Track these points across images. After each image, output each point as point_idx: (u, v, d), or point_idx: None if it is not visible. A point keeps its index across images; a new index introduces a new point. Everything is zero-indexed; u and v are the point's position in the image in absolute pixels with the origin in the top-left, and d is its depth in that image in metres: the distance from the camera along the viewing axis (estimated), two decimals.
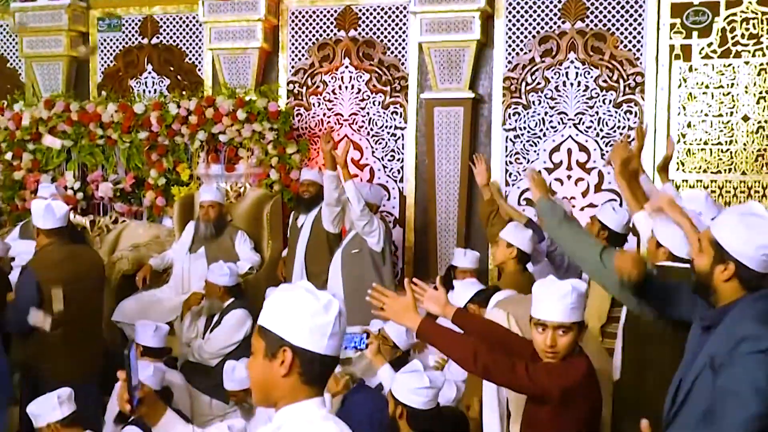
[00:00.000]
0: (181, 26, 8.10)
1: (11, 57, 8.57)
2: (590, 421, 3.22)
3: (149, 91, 8.04)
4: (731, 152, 6.65)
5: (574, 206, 6.98)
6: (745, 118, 6.61)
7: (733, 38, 6.61)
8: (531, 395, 3.24)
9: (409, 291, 3.35)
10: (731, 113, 6.65)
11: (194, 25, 8.01)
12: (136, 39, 8.21)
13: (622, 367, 3.69)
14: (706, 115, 6.71)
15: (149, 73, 8.17)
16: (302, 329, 2.06)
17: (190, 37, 8.07)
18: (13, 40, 8.44)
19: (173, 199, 7.28)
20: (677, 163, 6.72)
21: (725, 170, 6.64)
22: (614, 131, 6.88)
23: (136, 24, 8.19)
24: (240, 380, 5.14)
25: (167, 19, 8.13)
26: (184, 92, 7.62)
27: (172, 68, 8.10)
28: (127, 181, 7.49)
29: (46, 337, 5.05)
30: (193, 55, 8.07)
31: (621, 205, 6.03)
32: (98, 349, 5.52)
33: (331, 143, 6.10)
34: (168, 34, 8.14)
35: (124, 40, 8.23)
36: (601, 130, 6.96)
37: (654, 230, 3.66)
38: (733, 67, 6.63)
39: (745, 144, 6.62)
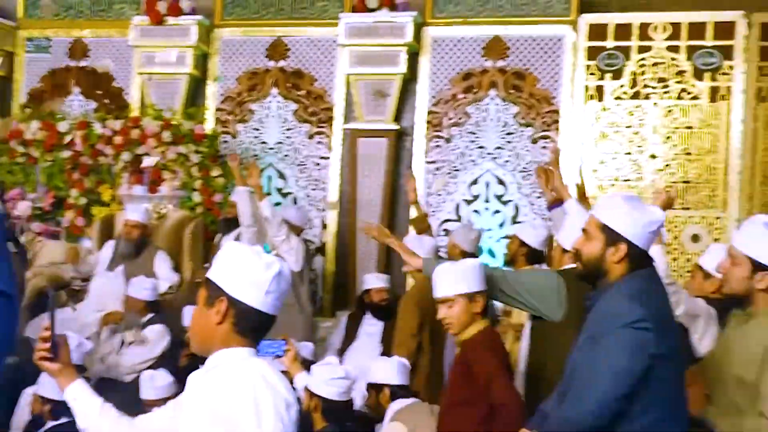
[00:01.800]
0: (110, 50, 8.14)
1: None
2: None
3: (75, 114, 8.02)
4: (639, 189, 6.96)
5: (491, 237, 7.21)
6: (653, 157, 6.97)
7: (643, 81, 7.00)
8: None
9: None
10: (640, 152, 7.00)
11: (124, 50, 8.06)
12: (64, 61, 8.22)
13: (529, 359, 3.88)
14: (617, 153, 7.04)
15: (75, 95, 8.17)
16: (240, 282, 2.21)
17: (119, 61, 8.12)
18: None
19: (93, 220, 7.25)
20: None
21: None
22: (530, 165, 7.13)
23: (65, 46, 8.21)
24: (160, 388, 5.09)
25: (97, 43, 8.17)
26: (110, 114, 7.63)
27: (99, 91, 8.11)
28: (46, 200, 7.43)
29: None
30: (121, 79, 8.10)
31: None
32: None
33: (236, 161, 6.27)
34: (97, 57, 8.17)
35: (51, 61, 8.23)
36: (518, 164, 7.23)
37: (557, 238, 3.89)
38: (643, 108, 7.00)
39: (652, 181, 6.95)
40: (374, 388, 4.15)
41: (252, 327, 2.24)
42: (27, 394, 5.14)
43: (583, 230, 2.85)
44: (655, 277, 2.82)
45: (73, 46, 8.21)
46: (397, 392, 4.09)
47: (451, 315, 3.58)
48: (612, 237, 2.76)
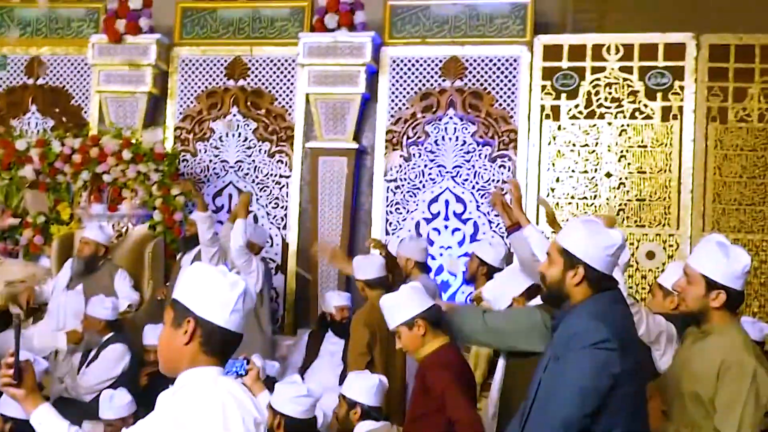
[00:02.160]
0: (68, 68, 8.11)
1: None
2: None
3: (32, 132, 7.96)
4: (595, 206, 7.12)
5: (450, 255, 7.30)
6: (608, 175, 7.13)
7: (597, 101, 7.16)
8: None
9: None
10: (595, 170, 7.15)
11: (82, 68, 8.03)
12: (21, 78, 8.16)
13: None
14: (573, 171, 7.19)
15: (33, 113, 8.11)
16: (206, 302, 2.27)
17: (78, 79, 8.08)
18: None
19: (51, 238, 7.19)
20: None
21: None
22: (489, 184, 7.25)
23: (22, 63, 8.16)
24: (118, 408, 5.07)
25: (54, 61, 8.13)
26: (68, 132, 7.57)
27: (57, 109, 8.07)
28: (4, 219, 7.35)
29: None
30: (80, 97, 8.07)
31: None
32: None
33: (190, 187, 6.41)
34: (54, 75, 8.13)
35: (8, 79, 8.17)
36: (477, 183, 7.33)
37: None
38: (597, 128, 7.16)
39: (607, 199, 7.11)
40: (347, 401, 4.14)
41: (219, 346, 2.29)
42: None
43: (547, 254, 2.94)
44: (619, 298, 2.90)
45: (29, 64, 8.15)
46: (369, 413, 4.08)
47: (402, 344, 3.84)
48: (571, 260, 2.83)
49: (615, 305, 2.85)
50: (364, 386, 4.14)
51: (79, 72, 8.09)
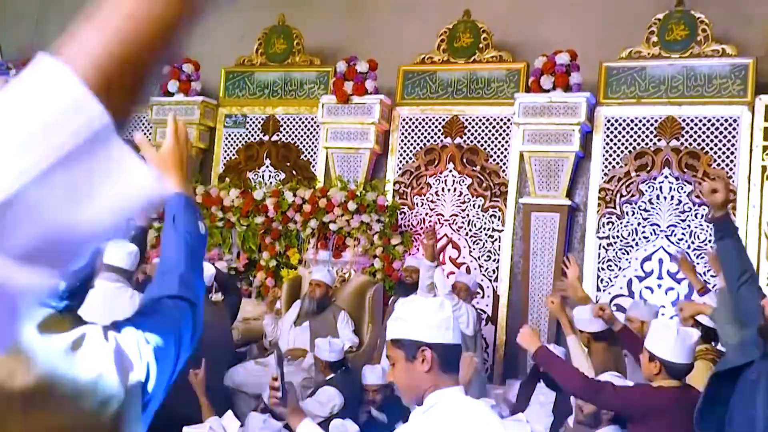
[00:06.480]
0: (300, 126, 8.84)
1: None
2: None
3: (265, 184, 8.71)
4: None
5: (663, 314, 7.24)
6: None
7: None
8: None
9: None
10: None
11: (312, 126, 8.73)
12: (258, 135, 8.97)
13: None
14: None
15: (267, 167, 8.88)
16: (430, 328, 2.52)
17: (308, 136, 8.79)
18: (148, 130, 9.29)
19: (281, 281, 7.80)
20: None
21: None
22: (705, 244, 7.18)
23: (259, 122, 8.97)
24: None
25: (288, 119, 8.88)
26: (299, 185, 8.24)
27: (288, 163, 8.79)
28: (240, 262, 8.07)
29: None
30: (309, 152, 8.75)
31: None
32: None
33: (433, 239, 6.62)
34: (287, 132, 8.88)
35: (246, 136, 9.00)
36: (692, 242, 7.28)
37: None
38: None
39: None
40: None
41: (453, 361, 2.55)
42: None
43: None
44: None
45: (265, 122, 8.95)
46: None
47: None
48: None
49: None
50: None
51: (309, 129, 8.79)
